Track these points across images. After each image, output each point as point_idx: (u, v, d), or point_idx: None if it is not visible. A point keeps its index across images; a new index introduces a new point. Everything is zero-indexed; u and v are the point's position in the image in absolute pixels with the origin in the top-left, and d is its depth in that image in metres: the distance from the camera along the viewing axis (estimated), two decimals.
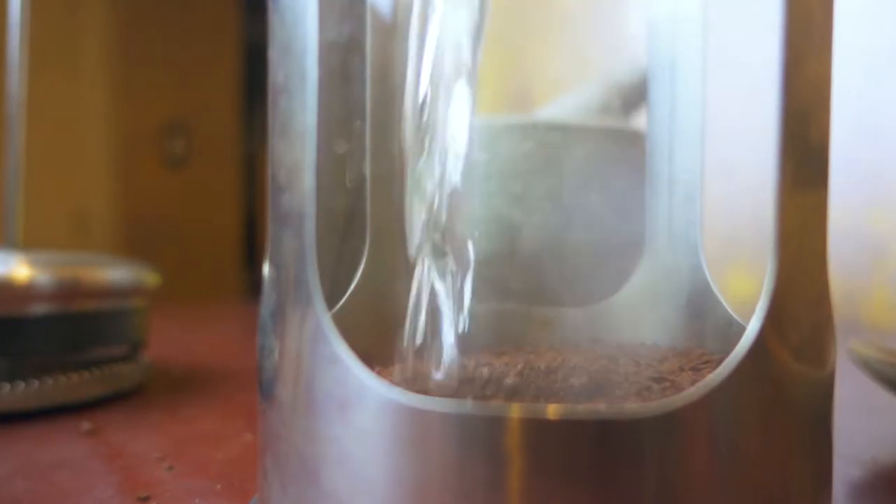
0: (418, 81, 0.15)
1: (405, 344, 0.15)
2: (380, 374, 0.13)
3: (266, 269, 0.15)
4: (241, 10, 1.47)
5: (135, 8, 1.33)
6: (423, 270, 0.15)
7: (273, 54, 0.14)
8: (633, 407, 0.12)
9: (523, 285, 0.23)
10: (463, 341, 0.16)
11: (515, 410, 0.12)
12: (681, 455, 0.12)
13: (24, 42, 0.33)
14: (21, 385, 0.27)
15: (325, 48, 0.15)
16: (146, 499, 0.18)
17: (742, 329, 0.13)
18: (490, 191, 0.24)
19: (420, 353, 0.15)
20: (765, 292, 0.13)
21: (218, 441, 0.24)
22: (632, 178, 0.20)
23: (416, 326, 0.15)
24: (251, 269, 1.46)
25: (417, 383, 0.14)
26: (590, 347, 0.18)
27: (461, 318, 0.15)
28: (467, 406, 0.12)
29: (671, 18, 0.19)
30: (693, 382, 0.14)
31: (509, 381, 0.14)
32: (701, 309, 0.18)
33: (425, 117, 0.15)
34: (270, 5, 0.14)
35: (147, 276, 0.32)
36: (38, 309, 0.28)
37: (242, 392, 0.32)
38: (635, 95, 0.27)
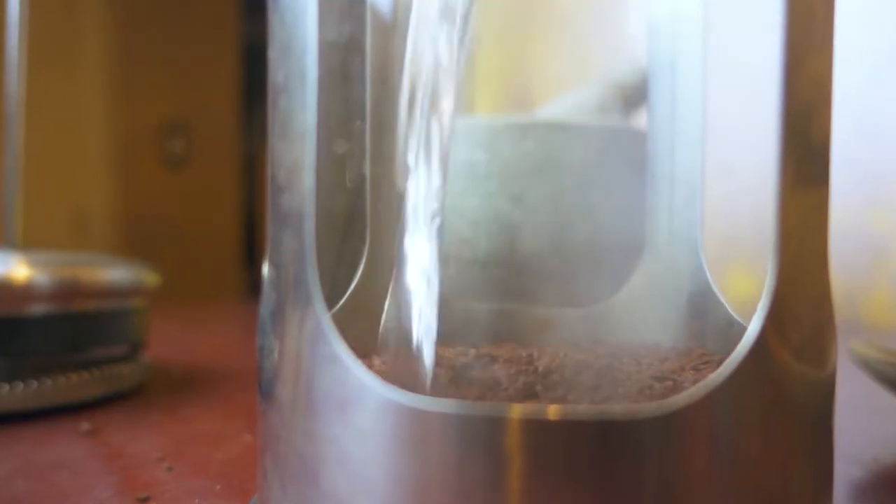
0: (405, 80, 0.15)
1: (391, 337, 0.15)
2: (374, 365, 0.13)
3: (266, 269, 0.15)
4: (241, 9, 1.47)
5: (134, 7, 1.33)
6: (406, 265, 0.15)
7: (273, 54, 0.14)
8: (633, 407, 0.12)
9: (523, 285, 0.23)
10: (462, 339, 0.16)
11: (515, 411, 0.12)
12: (681, 455, 0.12)
13: (23, 41, 0.33)
14: (20, 385, 0.27)
15: (325, 48, 0.15)
16: (146, 499, 0.18)
17: (743, 329, 0.13)
18: (490, 191, 0.24)
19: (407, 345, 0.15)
20: (766, 292, 0.13)
21: (218, 441, 0.24)
22: (632, 178, 0.20)
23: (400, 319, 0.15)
24: (251, 269, 1.46)
25: (410, 376, 0.14)
26: (590, 347, 0.18)
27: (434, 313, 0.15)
28: (467, 406, 0.12)
29: (672, 18, 0.19)
30: (695, 381, 0.14)
31: (509, 377, 0.14)
32: (702, 309, 0.18)
33: (410, 115, 0.15)
34: (270, 5, 0.14)
35: (147, 276, 0.32)
36: (38, 309, 0.28)
37: (242, 392, 0.32)
38: (636, 95, 0.27)
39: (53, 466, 0.21)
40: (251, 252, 1.49)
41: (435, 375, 0.14)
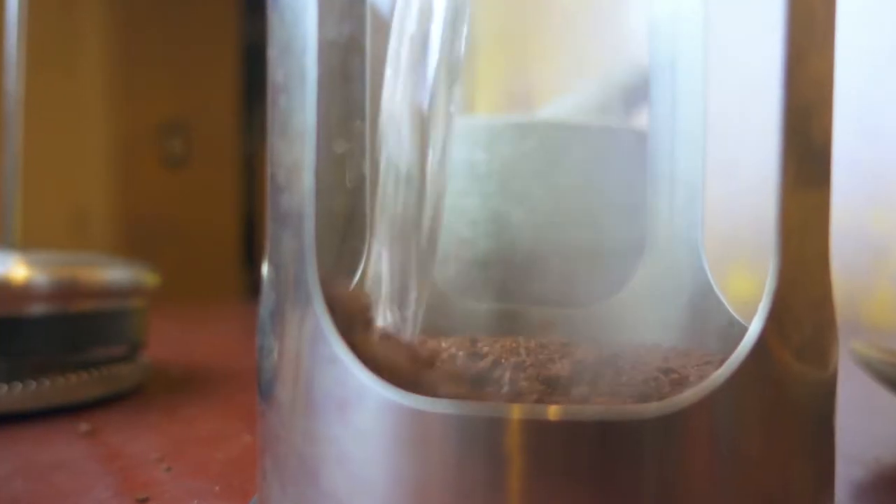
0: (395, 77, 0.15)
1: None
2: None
3: (265, 269, 0.14)
4: (241, 9, 1.47)
5: (133, 7, 1.33)
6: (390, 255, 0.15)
7: (272, 53, 0.14)
8: (633, 407, 0.12)
9: (523, 285, 0.23)
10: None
11: (515, 411, 0.12)
12: (682, 456, 0.12)
13: (22, 41, 0.33)
14: (19, 386, 0.27)
15: (325, 47, 0.15)
16: (145, 500, 0.18)
17: (744, 329, 0.13)
18: (490, 190, 0.24)
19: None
20: (766, 292, 0.12)
21: (217, 442, 0.24)
22: (633, 178, 0.20)
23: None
24: (250, 269, 1.46)
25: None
26: (591, 344, 0.18)
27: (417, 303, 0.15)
28: (467, 407, 0.12)
29: (672, 17, 0.19)
30: (700, 376, 0.14)
31: (510, 368, 0.14)
32: (702, 309, 0.18)
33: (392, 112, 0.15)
34: (270, 4, 0.14)
35: (146, 276, 0.32)
36: (37, 309, 0.28)
37: (242, 392, 0.32)
38: (636, 95, 0.27)
39: (52, 467, 0.21)
40: (251, 252, 1.49)
41: (441, 373, 0.14)
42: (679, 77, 0.19)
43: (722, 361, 0.13)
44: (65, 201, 1.24)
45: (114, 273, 0.30)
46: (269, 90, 0.14)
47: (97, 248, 1.19)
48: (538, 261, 0.23)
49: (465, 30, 0.15)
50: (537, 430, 0.11)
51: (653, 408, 0.12)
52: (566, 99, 0.30)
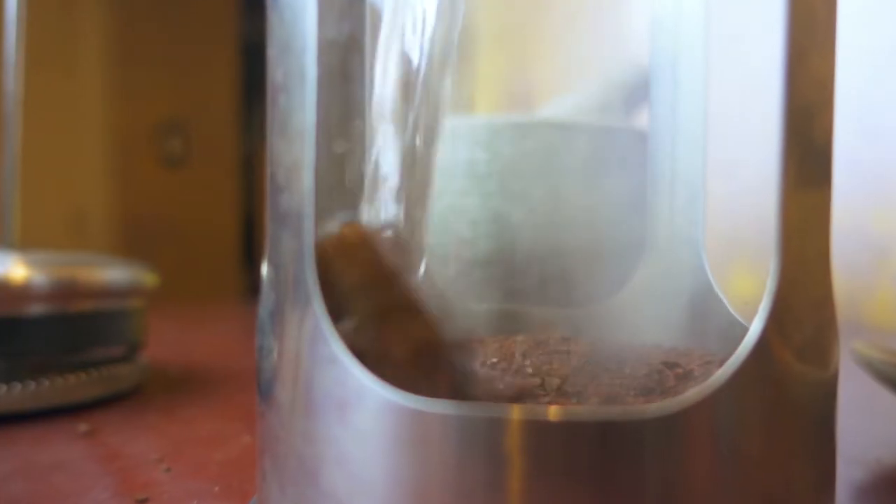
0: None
1: None
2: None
3: (265, 269, 0.14)
4: (240, 7, 1.47)
5: (132, 6, 1.33)
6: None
7: (272, 52, 0.14)
8: (634, 408, 0.12)
9: (523, 286, 0.23)
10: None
11: (515, 411, 0.11)
12: (682, 456, 0.12)
13: (20, 41, 0.33)
14: (18, 386, 0.26)
15: (325, 46, 0.15)
16: (144, 500, 0.18)
17: (744, 329, 0.13)
18: (490, 190, 0.24)
19: None
20: (767, 292, 0.12)
21: (216, 442, 0.24)
22: (633, 178, 0.20)
23: None
24: (250, 269, 1.46)
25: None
26: (592, 342, 0.18)
27: None
28: (467, 407, 0.12)
29: (673, 17, 0.19)
30: (703, 370, 0.14)
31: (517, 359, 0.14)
32: (703, 309, 0.18)
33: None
34: (269, 3, 0.14)
35: (145, 277, 0.32)
36: (35, 309, 0.28)
37: (241, 393, 0.32)
38: (636, 94, 0.27)
39: (51, 467, 0.21)
40: (250, 252, 1.49)
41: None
42: (680, 77, 0.19)
43: (722, 362, 0.12)
44: (63, 201, 1.24)
45: (113, 273, 0.30)
46: (268, 89, 0.14)
47: (96, 248, 1.19)
48: (538, 261, 0.23)
49: (459, 17, 0.15)
50: (537, 430, 0.11)
51: (653, 408, 0.12)
52: (566, 99, 0.30)
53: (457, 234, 0.24)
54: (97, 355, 0.30)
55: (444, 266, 0.22)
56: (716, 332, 0.17)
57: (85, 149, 1.29)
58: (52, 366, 0.28)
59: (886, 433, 0.25)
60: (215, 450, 0.23)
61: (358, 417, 0.12)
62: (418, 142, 0.15)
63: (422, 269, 0.16)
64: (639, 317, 0.19)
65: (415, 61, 0.15)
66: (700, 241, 0.18)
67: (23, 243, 0.32)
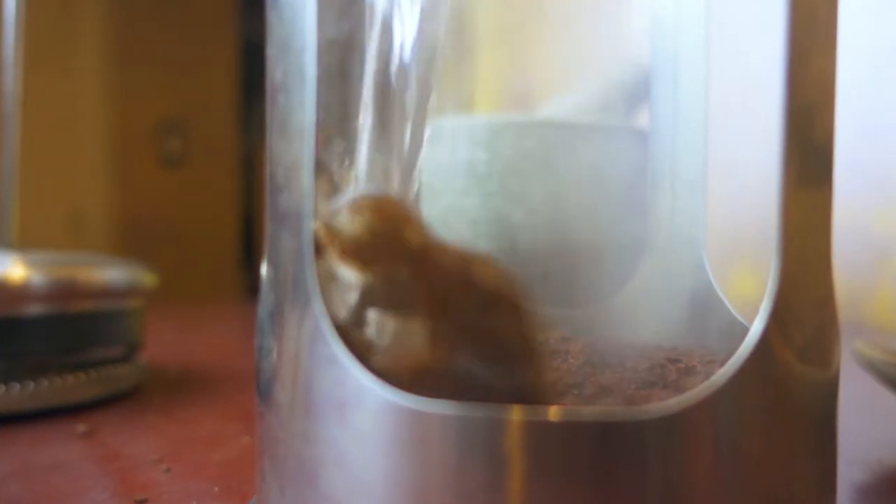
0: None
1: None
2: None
3: (264, 268, 0.14)
4: (239, 6, 1.47)
5: (131, 5, 1.33)
6: None
7: (271, 51, 0.14)
8: (634, 408, 0.11)
9: (524, 286, 0.23)
10: None
11: (515, 412, 0.11)
12: (683, 456, 0.12)
13: (19, 40, 0.33)
14: (16, 387, 0.26)
15: (324, 45, 0.15)
16: (143, 501, 0.18)
17: (745, 329, 0.13)
18: (490, 190, 0.24)
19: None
20: (768, 292, 0.12)
21: (216, 443, 0.24)
22: (634, 178, 0.20)
23: None
24: (249, 268, 1.46)
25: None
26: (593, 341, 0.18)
27: None
28: (467, 407, 0.12)
29: (674, 16, 0.19)
30: (705, 367, 0.14)
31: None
32: (704, 309, 0.18)
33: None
34: (268, 2, 0.14)
35: (144, 277, 0.32)
36: (34, 309, 0.28)
37: (240, 393, 0.32)
38: (637, 94, 0.27)
39: (50, 468, 0.21)
40: (249, 252, 1.49)
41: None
42: (680, 76, 0.19)
43: (723, 362, 0.12)
44: (62, 201, 1.24)
45: (111, 273, 0.30)
46: (267, 89, 0.14)
47: (94, 248, 1.19)
48: (538, 261, 0.23)
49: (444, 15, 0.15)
50: (537, 430, 0.11)
51: (654, 408, 0.12)
52: (566, 99, 0.29)
53: (457, 234, 0.24)
54: (96, 355, 0.30)
55: None
56: (717, 332, 0.17)
57: (84, 149, 1.29)
58: (50, 366, 0.28)
59: (888, 434, 0.25)
60: (215, 450, 0.23)
61: (357, 418, 0.12)
62: (403, 142, 0.15)
63: None
64: (639, 317, 0.19)
65: (399, 58, 0.15)
66: (701, 241, 0.18)
67: (21, 243, 0.32)
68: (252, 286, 1.28)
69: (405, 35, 0.15)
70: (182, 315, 0.72)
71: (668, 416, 0.11)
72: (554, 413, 0.11)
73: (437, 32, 0.15)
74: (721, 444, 0.12)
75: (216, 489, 0.19)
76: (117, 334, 0.31)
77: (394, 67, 0.15)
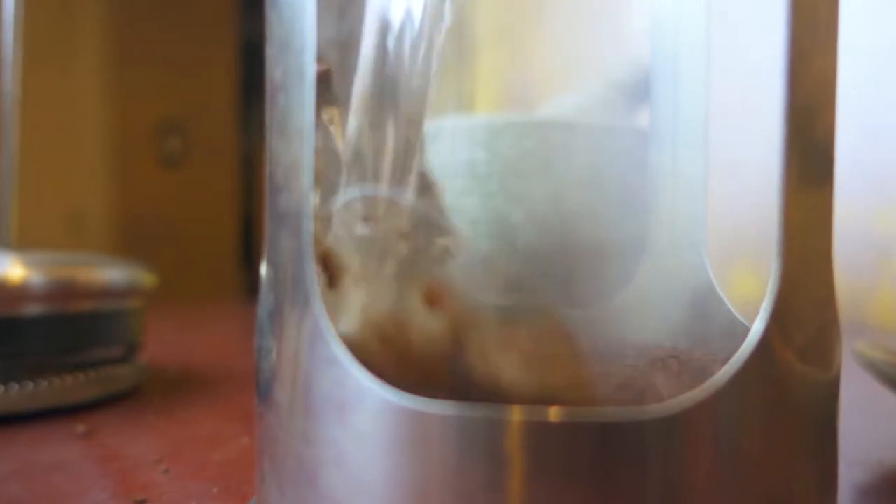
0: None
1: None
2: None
3: (264, 268, 0.14)
4: (239, 6, 1.47)
5: (131, 5, 1.33)
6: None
7: (271, 51, 0.14)
8: (635, 408, 0.11)
9: (523, 286, 0.23)
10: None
11: (516, 412, 0.11)
12: (684, 457, 0.12)
13: (18, 40, 0.33)
14: (15, 387, 0.26)
15: (324, 45, 0.15)
16: (142, 501, 0.18)
17: (746, 330, 0.13)
18: (490, 190, 0.24)
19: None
20: (769, 292, 0.12)
21: (215, 443, 0.24)
22: (634, 177, 0.20)
23: None
24: (249, 269, 1.46)
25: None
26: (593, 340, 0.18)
27: None
28: (467, 408, 0.12)
29: (674, 16, 0.19)
30: (707, 363, 0.14)
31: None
32: (704, 309, 0.18)
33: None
34: (268, 2, 0.14)
35: (143, 277, 0.32)
36: (33, 310, 0.28)
37: (240, 394, 0.32)
38: (637, 93, 0.27)
39: (49, 468, 0.21)
40: (249, 252, 1.48)
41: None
42: (681, 76, 0.19)
43: (724, 362, 0.12)
44: (61, 201, 1.24)
45: (111, 273, 0.30)
46: (267, 88, 0.14)
47: (94, 248, 1.19)
48: (538, 261, 0.23)
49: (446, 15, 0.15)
50: (538, 431, 0.11)
51: (654, 408, 0.11)
52: (566, 99, 0.29)
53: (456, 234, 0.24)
54: (95, 356, 0.29)
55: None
56: (717, 332, 0.17)
57: (83, 148, 1.29)
58: (49, 366, 0.28)
59: (889, 435, 0.25)
60: (214, 451, 0.23)
61: (357, 418, 0.12)
62: (398, 142, 0.15)
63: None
64: (640, 317, 0.19)
65: (398, 55, 0.15)
66: (701, 241, 0.18)
67: (20, 243, 0.32)
68: (252, 286, 1.28)
69: (405, 32, 0.15)
70: (182, 315, 0.72)
71: (668, 417, 0.11)
72: (554, 413, 0.11)
73: (439, 30, 0.15)
74: (721, 444, 0.12)
75: (215, 490, 0.19)
76: (117, 334, 0.31)
77: (393, 64, 0.15)
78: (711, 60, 0.18)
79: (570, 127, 0.24)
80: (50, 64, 1.17)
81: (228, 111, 1.49)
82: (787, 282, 0.12)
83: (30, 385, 0.27)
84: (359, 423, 0.12)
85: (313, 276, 0.13)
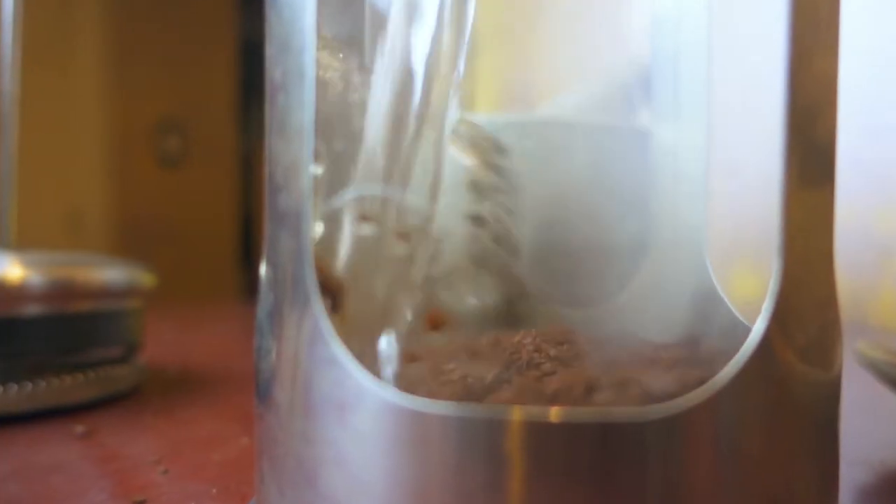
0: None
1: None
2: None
3: (263, 269, 0.14)
4: (238, 6, 1.47)
5: (130, 5, 1.33)
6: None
7: (270, 51, 0.14)
8: (635, 409, 0.11)
9: (524, 286, 0.23)
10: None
11: (516, 412, 0.11)
12: (684, 457, 0.12)
13: (17, 39, 0.33)
14: (14, 387, 0.26)
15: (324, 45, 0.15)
16: (142, 502, 0.18)
17: (747, 330, 0.12)
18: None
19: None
20: (770, 292, 0.12)
21: (214, 444, 0.24)
22: (635, 177, 0.20)
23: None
24: (248, 269, 1.46)
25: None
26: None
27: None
28: (467, 408, 0.12)
29: (675, 15, 0.19)
30: (708, 361, 0.14)
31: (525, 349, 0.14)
32: (705, 309, 0.18)
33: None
34: (268, 1, 0.14)
35: (142, 277, 0.32)
36: (32, 310, 0.27)
37: (239, 394, 0.32)
38: (638, 93, 0.27)
39: (48, 469, 0.21)
40: (248, 252, 1.48)
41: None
42: (682, 75, 0.19)
43: (725, 362, 0.12)
44: (60, 200, 1.24)
45: (110, 273, 0.30)
46: (266, 88, 0.14)
47: (93, 248, 1.19)
48: (539, 261, 0.23)
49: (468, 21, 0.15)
50: (538, 431, 0.11)
51: (654, 409, 0.11)
52: (567, 98, 0.29)
53: (457, 234, 0.24)
54: (94, 356, 0.29)
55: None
56: (718, 332, 0.17)
57: (82, 148, 1.29)
58: (48, 367, 0.28)
59: (890, 435, 0.25)
60: (213, 451, 0.23)
61: (357, 418, 0.12)
62: (423, 145, 0.15)
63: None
64: (640, 317, 0.19)
65: (420, 65, 0.15)
66: (702, 241, 0.18)
67: (19, 243, 0.32)
68: (251, 286, 1.28)
69: (423, 34, 0.15)
70: (181, 315, 0.72)
71: (668, 417, 0.11)
72: (554, 414, 0.11)
73: (463, 34, 0.15)
74: (722, 444, 0.12)
75: (215, 490, 0.19)
76: (116, 334, 0.31)
77: (417, 70, 0.15)
78: (712, 60, 0.18)
79: (570, 127, 0.24)
80: (49, 63, 1.17)
81: (228, 111, 1.49)
82: (789, 282, 0.12)
83: (29, 385, 0.27)
84: (359, 423, 0.12)
85: (313, 277, 0.13)
